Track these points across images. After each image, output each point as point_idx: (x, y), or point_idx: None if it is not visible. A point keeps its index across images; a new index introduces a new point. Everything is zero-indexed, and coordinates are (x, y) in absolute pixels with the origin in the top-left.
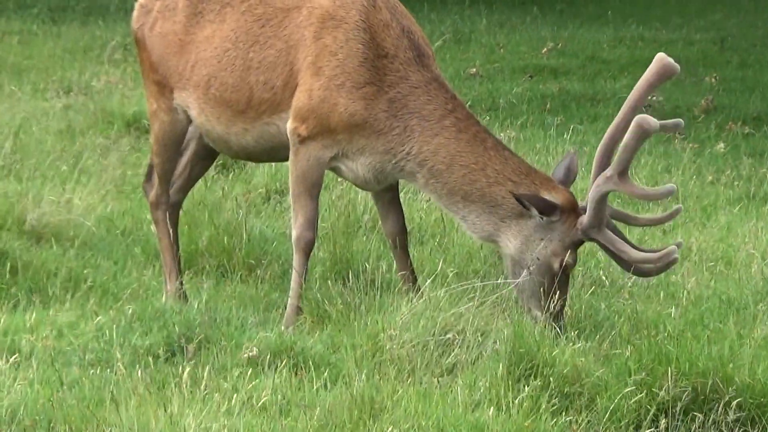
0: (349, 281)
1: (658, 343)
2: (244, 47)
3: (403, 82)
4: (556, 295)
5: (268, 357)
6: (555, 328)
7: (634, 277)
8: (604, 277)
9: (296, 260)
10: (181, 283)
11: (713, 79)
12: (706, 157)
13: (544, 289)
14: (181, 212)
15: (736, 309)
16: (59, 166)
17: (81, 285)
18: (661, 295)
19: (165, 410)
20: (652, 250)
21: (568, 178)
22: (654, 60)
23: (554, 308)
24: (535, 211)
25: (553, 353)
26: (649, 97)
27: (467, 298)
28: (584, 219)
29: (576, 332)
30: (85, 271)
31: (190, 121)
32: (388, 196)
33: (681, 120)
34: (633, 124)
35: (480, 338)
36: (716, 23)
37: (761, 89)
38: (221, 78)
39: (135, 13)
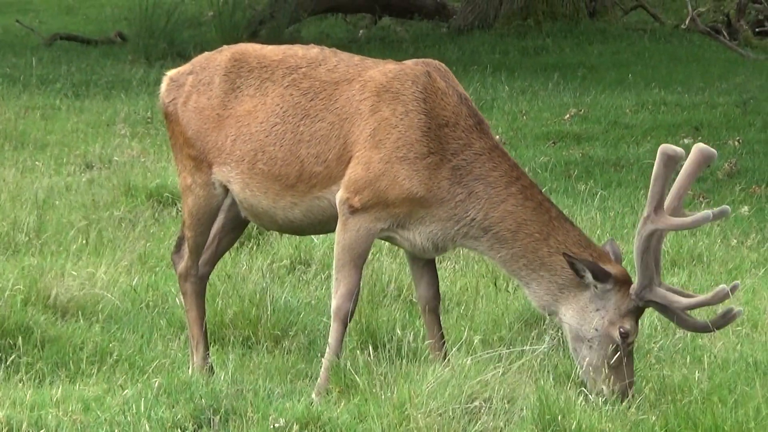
0: (375, 351)
1: (684, 407)
2: (293, 121)
3: (466, 149)
4: (621, 370)
5: (295, 427)
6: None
7: (660, 341)
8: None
9: (333, 330)
10: (208, 355)
11: (736, 143)
12: (731, 221)
13: (608, 363)
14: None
15: (762, 372)
16: (82, 240)
17: (107, 359)
18: (688, 359)
19: None
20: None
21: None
22: (692, 150)
23: (621, 385)
24: (589, 277)
25: (580, 419)
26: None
27: (493, 365)
28: (635, 283)
29: (603, 397)
30: (110, 345)
31: (226, 195)
32: (423, 260)
33: (728, 207)
34: (659, 154)
35: (507, 405)
36: (738, 86)
37: None
38: (269, 152)
39: (164, 87)
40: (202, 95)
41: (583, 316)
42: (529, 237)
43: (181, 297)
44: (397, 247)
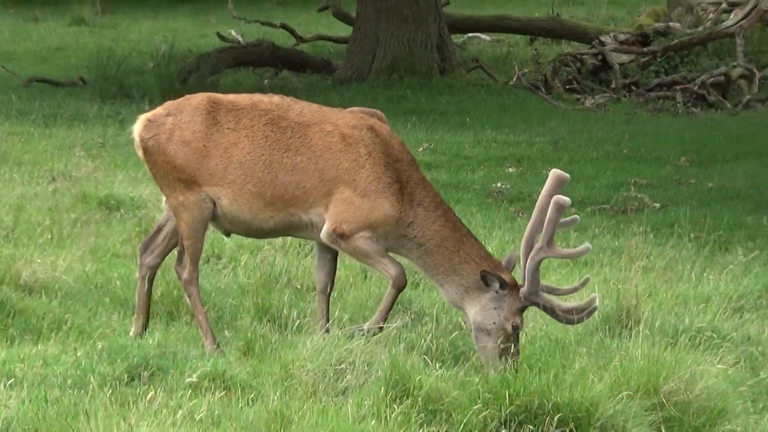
0: (268, 323)
1: (501, 372)
2: (278, 153)
3: (410, 180)
4: (511, 351)
5: (206, 382)
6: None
7: None
8: (463, 323)
9: (389, 296)
10: (145, 328)
11: (547, 172)
12: (594, 254)
13: (500, 347)
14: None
15: (561, 347)
16: (47, 236)
17: (63, 326)
18: None
19: (125, 422)
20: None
21: (509, 266)
22: (551, 174)
23: (509, 362)
24: (496, 286)
25: (421, 380)
26: (499, 185)
27: (358, 337)
28: (524, 288)
29: (439, 363)
30: (66, 316)
31: (213, 206)
32: (330, 254)
33: (577, 216)
34: (552, 203)
35: (366, 368)
36: (551, 129)
37: (585, 180)
38: (258, 177)
39: (140, 127)
40: (185, 131)
41: (484, 313)
42: (447, 250)
43: (186, 298)
44: (288, 245)
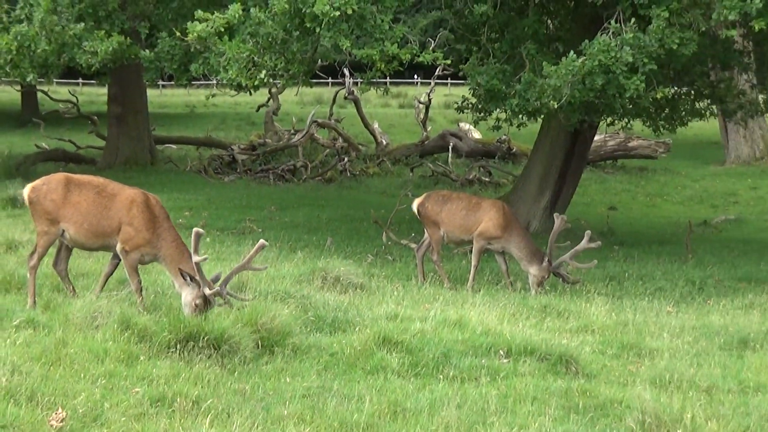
0: (59, 293)
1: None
2: (100, 209)
3: (162, 226)
4: (196, 311)
5: (24, 324)
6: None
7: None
8: (160, 290)
9: (136, 295)
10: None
11: (206, 215)
12: (228, 254)
13: (191, 308)
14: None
15: (208, 301)
16: None
17: None
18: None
19: None
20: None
21: (216, 278)
22: (257, 244)
23: (197, 314)
24: (189, 281)
25: (137, 320)
26: (181, 221)
27: (112, 297)
28: (204, 286)
29: (147, 312)
30: None
31: (62, 234)
32: (117, 258)
33: (265, 242)
34: (257, 246)
35: (109, 314)
36: (207, 192)
37: (224, 218)
38: (89, 221)
39: (29, 190)
40: (52, 194)
41: (186, 294)
42: (176, 261)
43: (28, 275)
44: (75, 251)
